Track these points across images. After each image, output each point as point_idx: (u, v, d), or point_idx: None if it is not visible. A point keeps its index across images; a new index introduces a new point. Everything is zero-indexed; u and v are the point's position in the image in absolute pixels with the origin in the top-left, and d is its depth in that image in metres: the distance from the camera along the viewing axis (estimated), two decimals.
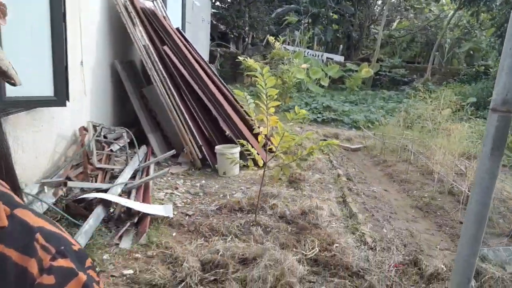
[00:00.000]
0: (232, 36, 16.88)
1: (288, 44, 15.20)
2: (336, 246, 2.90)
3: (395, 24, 20.10)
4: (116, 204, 3.23)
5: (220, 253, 2.71)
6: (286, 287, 2.41)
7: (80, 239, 2.71)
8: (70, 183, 3.02)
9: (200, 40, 11.20)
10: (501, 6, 12.15)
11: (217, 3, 16.53)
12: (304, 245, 2.91)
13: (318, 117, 8.63)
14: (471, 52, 17.75)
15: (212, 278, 2.52)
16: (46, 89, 2.92)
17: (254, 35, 17.26)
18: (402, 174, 5.20)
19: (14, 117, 2.91)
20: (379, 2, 19.77)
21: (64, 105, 3.13)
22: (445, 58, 17.18)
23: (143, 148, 4.76)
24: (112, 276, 2.54)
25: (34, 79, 2.85)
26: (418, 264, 2.79)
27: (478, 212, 1.76)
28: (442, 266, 2.72)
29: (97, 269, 2.32)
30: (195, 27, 10.53)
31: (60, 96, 3.02)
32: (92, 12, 4.42)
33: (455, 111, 9.44)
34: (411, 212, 4.08)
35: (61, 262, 0.45)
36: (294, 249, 2.84)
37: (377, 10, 19.64)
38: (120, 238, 2.96)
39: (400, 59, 16.36)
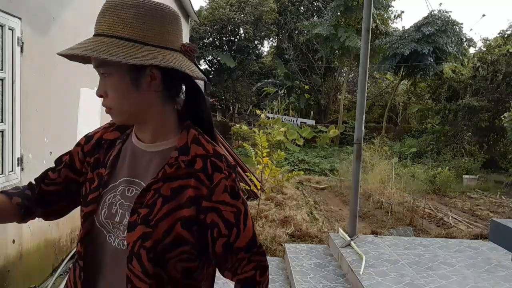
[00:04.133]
0: (220, 107, 19.82)
1: (268, 112, 18.11)
2: (303, 228, 5.19)
3: None
4: None
5: None
6: (277, 242, 4.67)
7: None
8: None
9: None
10: (434, 76, 15.47)
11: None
12: (286, 228, 5.20)
13: (294, 168, 11.08)
14: (425, 111, 21.12)
15: None
16: None
17: (239, 106, 20.22)
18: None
19: None
20: (344, 74, 23.40)
21: None
22: (399, 117, 20.41)
23: None
24: None
25: None
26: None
27: (355, 187, 4.18)
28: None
29: None
30: None
31: None
32: None
33: (401, 159, 12.10)
34: None
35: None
36: (281, 229, 5.12)
37: (342, 80, 23.18)
38: None
39: None
